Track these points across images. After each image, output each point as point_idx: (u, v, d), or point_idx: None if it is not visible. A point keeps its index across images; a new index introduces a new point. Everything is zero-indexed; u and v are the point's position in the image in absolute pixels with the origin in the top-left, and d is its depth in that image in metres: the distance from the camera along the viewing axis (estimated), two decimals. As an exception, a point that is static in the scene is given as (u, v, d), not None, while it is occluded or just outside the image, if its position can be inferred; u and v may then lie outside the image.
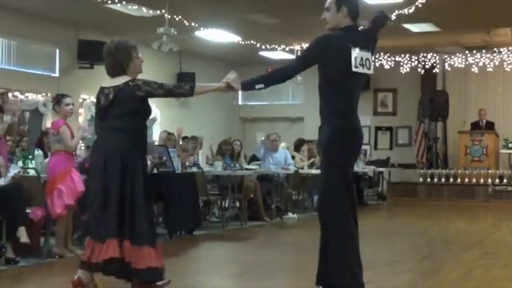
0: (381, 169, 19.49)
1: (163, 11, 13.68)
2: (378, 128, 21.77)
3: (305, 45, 17.88)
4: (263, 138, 14.35)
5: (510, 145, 18.78)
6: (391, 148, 21.52)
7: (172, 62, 19.51)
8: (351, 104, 5.65)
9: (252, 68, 22.23)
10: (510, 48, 18.44)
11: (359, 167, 17.87)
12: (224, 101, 22.16)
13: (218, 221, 11.98)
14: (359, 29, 5.82)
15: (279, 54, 19.27)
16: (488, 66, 18.91)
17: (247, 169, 12.94)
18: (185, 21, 14.60)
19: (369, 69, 5.64)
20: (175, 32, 13.81)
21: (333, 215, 5.58)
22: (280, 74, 5.95)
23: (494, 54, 18.80)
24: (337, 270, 5.51)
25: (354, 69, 5.52)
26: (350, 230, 5.65)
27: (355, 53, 5.54)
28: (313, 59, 5.69)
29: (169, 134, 12.31)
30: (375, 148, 21.64)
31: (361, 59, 5.58)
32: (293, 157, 15.02)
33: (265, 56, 19.94)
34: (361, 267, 5.60)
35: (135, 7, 14.00)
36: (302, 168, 14.91)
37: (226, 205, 12.28)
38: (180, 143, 12.37)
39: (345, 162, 5.63)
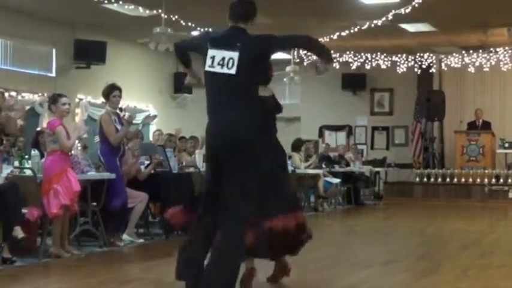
0: (377, 169, 19.53)
1: (160, 10, 13.68)
2: (374, 128, 21.79)
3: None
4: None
5: (506, 145, 18.80)
6: (387, 148, 21.54)
7: (169, 62, 19.48)
8: (207, 104, 5.75)
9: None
10: (506, 48, 18.46)
11: (356, 166, 17.90)
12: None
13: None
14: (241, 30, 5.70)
15: (275, 54, 19.23)
16: (484, 66, 18.93)
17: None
18: (182, 21, 14.60)
19: (229, 69, 5.50)
20: (172, 32, 13.81)
21: None
22: None
23: (491, 54, 18.82)
24: None
25: (207, 68, 5.58)
26: None
27: (212, 52, 5.56)
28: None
29: (170, 135, 12.33)
30: (372, 148, 21.67)
31: (222, 58, 5.52)
32: (290, 157, 15.01)
33: (262, 56, 19.91)
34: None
35: (132, 7, 14.01)
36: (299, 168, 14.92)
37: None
38: (178, 143, 12.37)
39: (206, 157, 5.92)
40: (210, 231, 5.58)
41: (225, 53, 5.51)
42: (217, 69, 5.53)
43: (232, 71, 5.48)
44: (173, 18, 14.26)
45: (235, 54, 5.49)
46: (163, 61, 19.06)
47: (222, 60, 5.51)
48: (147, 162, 10.54)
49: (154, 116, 10.33)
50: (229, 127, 5.54)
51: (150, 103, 18.86)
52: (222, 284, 5.31)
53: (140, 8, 14.11)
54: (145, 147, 10.67)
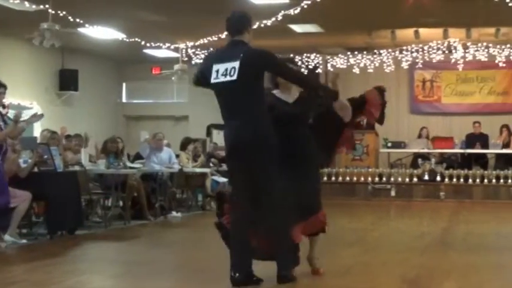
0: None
1: (47, 6, 13.36)
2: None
3: (190, 44, 17.86)
4: (147, 137, 14.22)
5: (389, 144, 19.31)
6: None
7: (54, 58, 19.10)
8: (221, 113, 6.28)
9: (136, 66, 22.22)
10: (390, 50, 18.94)
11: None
12: (107, 99, 21.89)
13: (101, 221, 11.80)
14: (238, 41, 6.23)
15: (164, 52, 19.15)
16: (368, 67, 19.37)
17: (131, 168, 12.81)
18: (70, 17, 14.30)
19: (231, 76, 6.05)
20: (59, 28, 13.51)
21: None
22: None
23: (375, 56, 19.28)
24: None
25: (212, 81, 6.17)
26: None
27: (216, 67, 6.15)
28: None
29: (53, 132, 12.03)
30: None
31: (225, 69, 6.08)
32: (177, 156, 14.97)
33: (150, 54, 19.79)
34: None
35: (17, 1, 13.61)
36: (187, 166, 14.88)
37: (110, 204, 12.12)
38: (64, 142, 12.12)
39: (226, 158, 6.48)
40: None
41: (227, 64, 6.07)
42: (221, 79, 6.09)
43: (234, 78, 6.02)
44: (61, 14, 13.95)
45: (236, 63, 6.03)
46: (48, 58, 18.67)
47: (225, 71, 6.08)
48: (30, 160, 10.25)
49: (41, 115, 10.08)
50: (239, 130, 6.10)
51: (34, 100, 18.42)
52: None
53: (26, 3, 13.73)
54: (26, 141, 10.34)
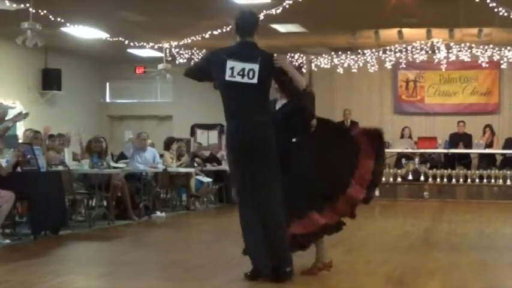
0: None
1: (28, 5, 13.29)
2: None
3: (174, 43, 17.84)
4: (131, 137, 14.19)
5: (373, 144, 19.31)
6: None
7: (37, 58, 19.02)
8: (227, 110, 6.46)
9: (120, 65, 22.17)
10: (373, 50, 19.00)
11: (227, 165, 17.93)
12: (91, 99, 21.83)
13: (85, 220, 11.76)
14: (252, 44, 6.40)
15: (147, 51, 19.12)
16: (352, 67, 19.42)
17: (114, 167, 12.77)
18: (51, 16, 14.24)
19: (251, 78, 6.22)
20: (41, 27, 13.44)
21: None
22: None
23: (359, 56, 19.33)
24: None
25: (227, 78, 6.23)
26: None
27: (231, 64, 6.22)
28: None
29: (36, 132, 11.95)
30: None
31: (242, 69, 6.21)
32: (161, 155, 14.94)
33: (134, 54, 19.75)
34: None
35: (-3, 0, 13.55)
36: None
37: (94, 204, 12.08)
38: (47, 142, 12.05)
39: (230, 158, 6.59)
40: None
41: (245, 64, 6.22)
42: (238, 78, 6.23)
43: (254, 81, 6.23)
44: (42, 13, 13.88)
45: (255, 66, 6.22)
46: (31, 57, 18.60)
47: (243, 71, 6.22)
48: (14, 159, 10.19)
49: (26, 114, 10.04)
50: (250, 128, 6.32)
51: (17, 100, 18.34)
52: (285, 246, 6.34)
53: (7, 1, 13.65)
54: (8, 140, 10.30)
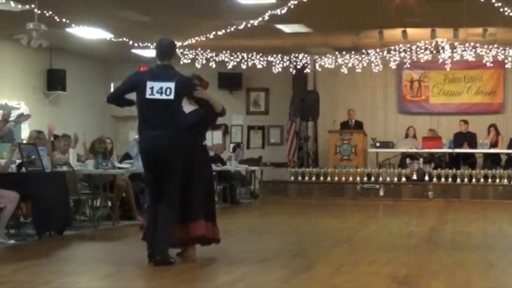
0: (253, 168, 19.64)
1: (33, 5, 13.31)
2: (250, 127, 21.98)
3: (178, 44, 17.84)
4: (136, 137, 14.15)
5: (378, 144, 19.35)
6: (263, 147, 21.76)
7: (42, 58, 19.03)
8: (143, 123, 7.56)
9: (124, 66, 22.13)
10: (377, 50, 18.98)
11: (232, 165, 17.97)
12: (95, 99, 21.83)
13: (89, 221, 11.77)
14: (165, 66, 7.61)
15: (152, 52, 19.08)
16: (357, 67, 19.39)
17: (119, 168, 12.77)
18: (56, 17, 14.26)
19: (168, 95, 7.34)
20: (45, 28, 13.46)
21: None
22: None
23: (363, 56, 19.31)
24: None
25: (148, 96, 7.38)
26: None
27: (150, 84, 7.37)
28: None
29: (40, 132, 11.94)
30: (248, 147, 21.82)
31: (161, 88, 7.35)
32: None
33: (138, 54, 19.75)
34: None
35: (3, 1, 13.55)
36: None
37: (98, 204, 12.09)
38: (52, 139, 12.04)
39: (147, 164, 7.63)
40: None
41: (162, 83, 7.34)
42: (157, 96, 7.33)
43: (171, 97, 7.33)
44: (47, 14, 13.91)
45: (171, 84, 7.33)
46: (36, 57, 18.61)
47: (161, 89, 7.32)
48: (18, 160, 10.21)
49: (28, 116, 10.06)
50: (160, 139, 7.35)
51: (22, 100, 18.36)
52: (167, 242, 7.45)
53: (12, 3, 13.67)
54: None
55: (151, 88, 7.33)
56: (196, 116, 7.80)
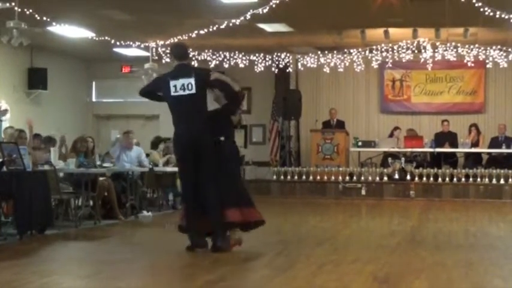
0: (236, 167, 19.56)
1: (13, 3, 13.23)
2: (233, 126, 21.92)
3: (160, 42, 17.83)
4: (118, 136, 14.13)
5: (360, 143, 19.39)
6: (245, 146, 21.75)
7: (23, 57, 18.94)
8: (176, 118, 8.30)
9: (106, 65, 22.12)
10: (360, 49, 19.03)
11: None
12: (77, 98, 21.76)
13: (71, 220, 11.72)
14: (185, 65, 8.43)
15: (133, 51, 19.08)
16: (339, 66, 19.45)
17: (101, 167, 12.73)
18: (36, 15, 14.18)
19: (190, 90, 8.08)
20: (26, 26, 13.38)
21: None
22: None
23: (345, 55, 19.36)
24: None
25: (172, 94, 8.14)
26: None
27: (173, 83, 8.13)
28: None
29: (21, 131, 11.88)
30: (230, 146, 21.75)
31: (182, 84, 8.09)
32: (148, 155, 14.90)
33: (120, 53, 19.70)
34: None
35: (-17, -1, 13.48)
36: (157, 165, 14.81)
37: (80, 204, 12.04)
38: (31, 134, 11.95)
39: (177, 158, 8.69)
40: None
41: (184, 80, 8.07)
42: (180, 92, 8.09)
43: (193, 91, 8.07)
44: (27, 12, 13.83)
45: (192, 80, 8.06)
46: (17, 56, 18.53)
47: (183, 86, 8.08)
48: (-1, 159, 10.14)
49: (6, 110, 9.99)
50: (192, 130, 8.14)
51: (3, 99, 18.25)
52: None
53: (-8, 0, 13.60)
54: None
55: (175, 86, 8.11)
56: (216, 111, 8.46)
